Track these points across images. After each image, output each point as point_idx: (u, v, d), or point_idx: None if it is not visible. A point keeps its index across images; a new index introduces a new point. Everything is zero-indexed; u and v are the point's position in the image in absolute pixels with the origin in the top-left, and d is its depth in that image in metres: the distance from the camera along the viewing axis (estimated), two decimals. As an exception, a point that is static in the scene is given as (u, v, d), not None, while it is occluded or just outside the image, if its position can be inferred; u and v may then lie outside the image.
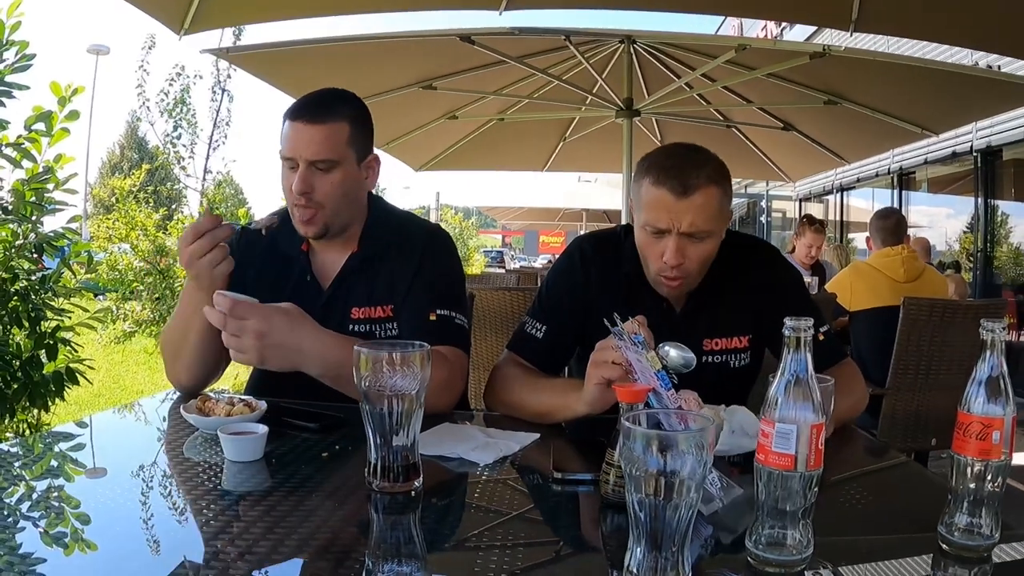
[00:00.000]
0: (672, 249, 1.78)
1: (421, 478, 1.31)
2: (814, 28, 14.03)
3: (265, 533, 1.12)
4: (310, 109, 1.88)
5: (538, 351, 1.98)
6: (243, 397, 1.71)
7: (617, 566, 1.00)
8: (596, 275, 2.01)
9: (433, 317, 1.90)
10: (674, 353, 1.44)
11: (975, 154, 11.33)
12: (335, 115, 1.89)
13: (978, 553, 1.09)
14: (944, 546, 1.11)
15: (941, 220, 14.11)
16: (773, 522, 1.04)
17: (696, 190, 1.75)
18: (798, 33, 15.85)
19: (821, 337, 1.87)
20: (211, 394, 1.75)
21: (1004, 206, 11.75)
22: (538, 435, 1.65)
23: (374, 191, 2.10)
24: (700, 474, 0.92)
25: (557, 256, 2.39)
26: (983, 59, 8.22)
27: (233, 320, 1.62)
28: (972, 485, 1.10)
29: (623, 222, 3.64)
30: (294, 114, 1.88)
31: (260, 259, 2.02)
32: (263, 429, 1.48)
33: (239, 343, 1.63)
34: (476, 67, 5.06)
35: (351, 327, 1.94)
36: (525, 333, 2.01)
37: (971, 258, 12.23)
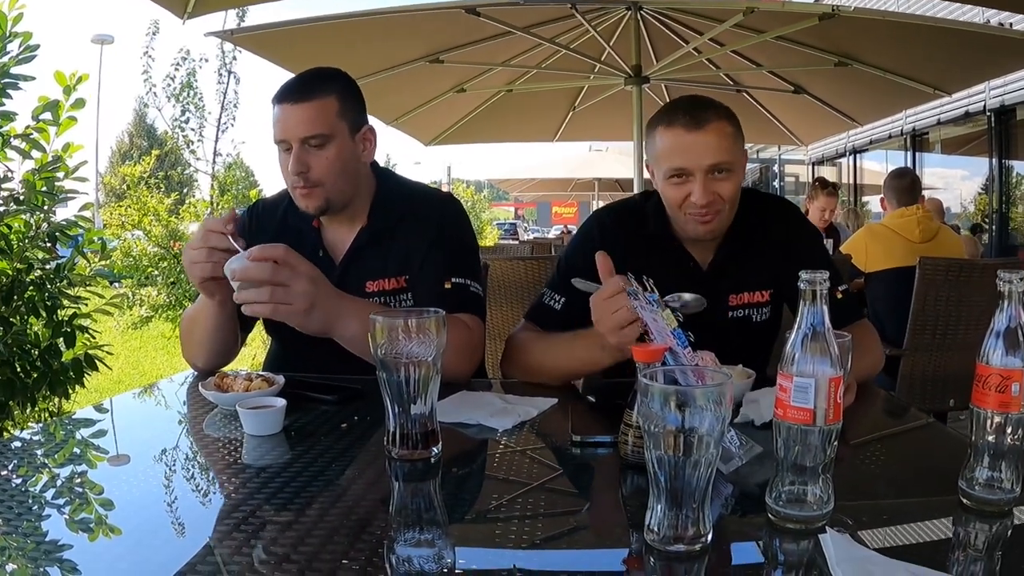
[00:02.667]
0: (699, 187, 1.80)
1: (440, 444, 1.32)
2: (822, -11, 13.92)
3: (286, 504, 1.13)
4: (296, 89, 1.89)
5: (556, 322, 1.97)
6: (261, 373, 1.71)
7: (638, 527, 1.00)
8: (617, 244, 1.97)
9: (448, 285, 1.90)
10: (688, 296, 1.44)
11: (988, 113, 11.24)
12: (321, 91, 1.89)
13: (999, 507, 1.09)
14: (965, 500, 1.10)
15: (956, 181, 14.02)
16: (793, 478, 1.04)
17: (708, 123, 1.79)
18: (806, -5, 15.69)
19: (839, 295, 1.87)
20: (228, 371, 1.75)
21: (1019, 166, 11.67)
22: (556, 400, 1.66)
23: (387, 166, 2.11)
24: (718, 430, 0.92)
25: (570, 226, 2.38)
26: (994, 17, 8.13)
27: (286, 268, 1.57)
28: (992, 438, 1.09)
29: (635, 191, 3.62)
30: (281, 97, 1.89)
31: (272, 237, 2.02)
32: (281, 403, 1.49)
33: (286, 293, 1.57)
34: (483, 39, 5.04)
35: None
36: (543, 304, 2.01)
37: (986, 219, 12.15)
